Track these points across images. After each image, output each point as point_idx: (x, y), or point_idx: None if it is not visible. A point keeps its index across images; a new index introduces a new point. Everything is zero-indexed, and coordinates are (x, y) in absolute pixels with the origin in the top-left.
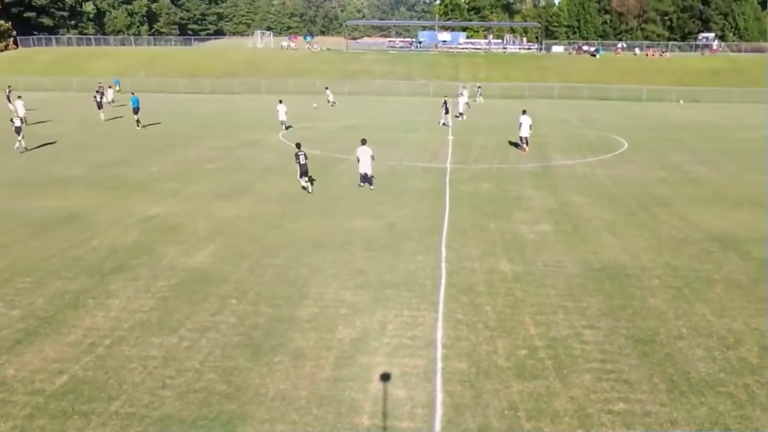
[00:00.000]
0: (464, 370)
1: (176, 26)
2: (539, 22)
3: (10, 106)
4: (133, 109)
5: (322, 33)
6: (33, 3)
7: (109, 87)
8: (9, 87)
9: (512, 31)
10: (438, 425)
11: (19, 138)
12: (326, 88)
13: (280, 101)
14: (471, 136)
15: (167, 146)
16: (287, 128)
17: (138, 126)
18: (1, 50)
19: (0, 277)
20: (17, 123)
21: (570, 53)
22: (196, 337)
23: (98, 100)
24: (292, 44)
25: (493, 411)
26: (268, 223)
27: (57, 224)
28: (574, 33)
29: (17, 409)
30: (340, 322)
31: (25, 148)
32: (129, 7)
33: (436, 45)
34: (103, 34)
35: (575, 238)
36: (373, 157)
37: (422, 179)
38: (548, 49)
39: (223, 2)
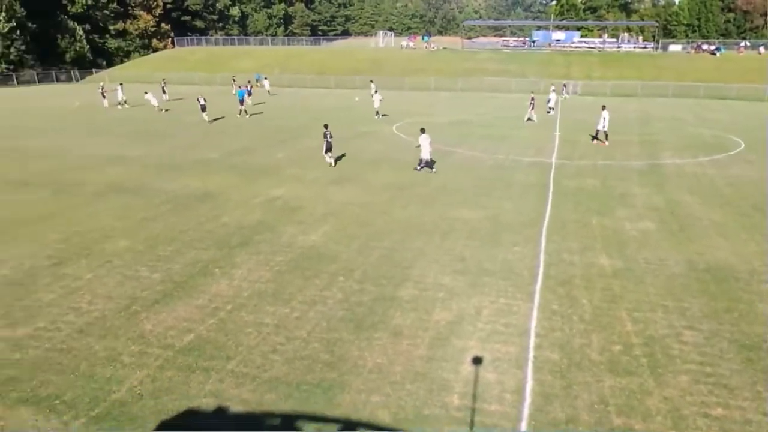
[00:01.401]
0: (556, 360)
1: (308, 27)
2: (657, 21)
3: (165, 96)
4: (240, 100)
5: (440, 33)
6: (189, 8)
7: (263, 80)
8: (164, 80)
9: (628, 30)
10: (526, 412)
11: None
12: (371, 81)
13: (376, 91)
14: (577, 133)
15: (292, 136)
16: (381, 116)
17: (242, 115)
18: (161, 49)
19: (146, 245)
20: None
21: (688, 52)
22: (305, 309)
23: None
24: (411, 44)
25: (582, 403)
26: (377, 209)
27: (194, 202)
28: (694, 32)
29: (151, 360)
30: (438, 304)
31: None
32: (269, 10)
33: (549, 44)
34: (245, 35)
35: (681, 237)
36: (431, 143)
37: (527, 173)
38: (665, 47)
39: (351, 5)
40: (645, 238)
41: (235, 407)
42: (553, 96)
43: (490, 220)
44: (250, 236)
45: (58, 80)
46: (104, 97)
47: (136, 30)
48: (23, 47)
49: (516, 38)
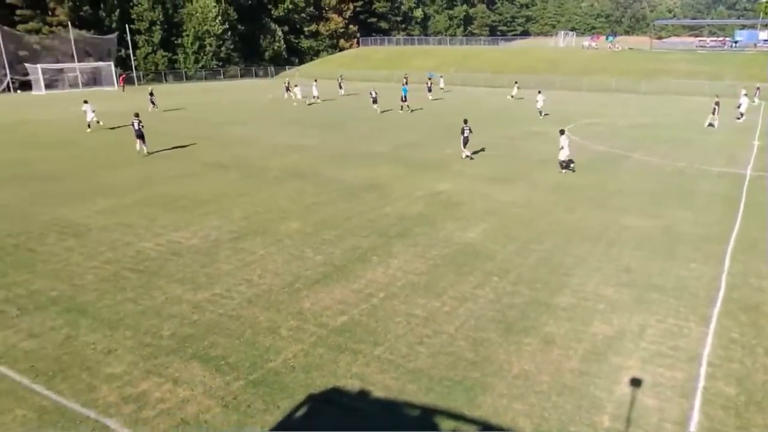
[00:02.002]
0: (731, 395)
1: (487, 28)
2: None
3: (341, 92)
4: (402, 96)
5: (626, 33)
6: (376, 11)
7: (437, 78)
8: (341, 76)
9: None
10: None
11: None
12: (441, 77)
13: (539, 92)
14: None
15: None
16: (544, 116)
17: (404, 110)
18: (347, 48)
19: (314, 228)
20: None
21: None
22: (455, 305)
23: (428, 86)
24: (594, 44)
25: None
26: (539, 210)
27: (361, 191)
28: None
29: (306, 336)
30: (597, 316)
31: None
32: (450, 12)
33: (755, 44)
34: (426, 35)
35: None
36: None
37: (714, 183)
38: None
39: (533, 6)
40: None
41: (378, 392)
42: (744, 100)
43: (664, 231)
44: (409, 228)
45: (256, 75)
46: (288, 91)
47: (326, 31)
48: (231, 46)
49: (714, 38)
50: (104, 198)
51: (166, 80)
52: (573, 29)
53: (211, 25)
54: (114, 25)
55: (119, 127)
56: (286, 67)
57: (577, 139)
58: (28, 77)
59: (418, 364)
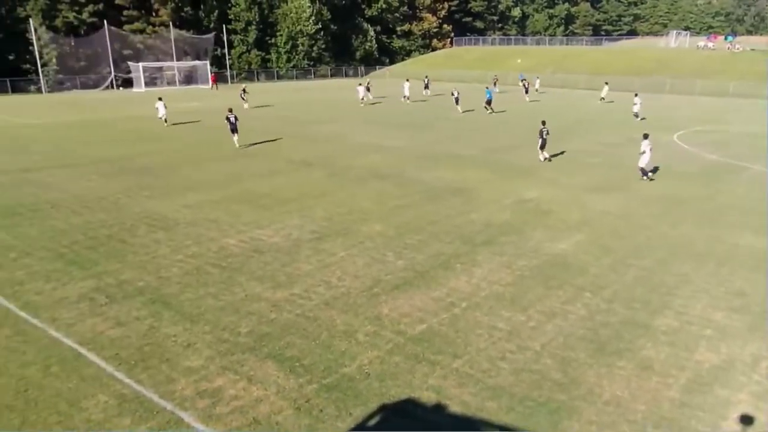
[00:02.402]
0: None
1: (590, 27)
2: None
3: (426, 92)
4: (487, 100)
5: (749, 33)
6: (471, 10)
7: (534, 79)
8: (426, 76)
9: None
10: None
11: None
12: (537, 78)
13: (636, 94)
14: None
15: (555, 138)
16: (640, 119)
17: (489, 112)
18: (440, 48)
19: (396, 231)
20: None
21: None
22: (542, 320)
23: (525, 87)
24: (711, 44)
25: None
26: (639, 223)
27: (446, 194)
28: None
29: (383, 342)
30: (703, 343)
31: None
32: (551, 10)
33: None
34: (523, 35)
35: None
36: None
37: None
38: None
39: (642, 3)
40: None
41: (454, 407)
42: None
43: None
44: (495, 236)
45: (346, 75)
46: (368, 90)
47: (419, 31)
48: (323, 46)
49: None
50: (193, 193)
51: (258, 79)
52: (687, 28)
53: (304, 25)
54: (212, 25)
55: (187, 123)
56: (377, 67)
57: (686, 147)
58: (129, 75)
59: (499, 381)
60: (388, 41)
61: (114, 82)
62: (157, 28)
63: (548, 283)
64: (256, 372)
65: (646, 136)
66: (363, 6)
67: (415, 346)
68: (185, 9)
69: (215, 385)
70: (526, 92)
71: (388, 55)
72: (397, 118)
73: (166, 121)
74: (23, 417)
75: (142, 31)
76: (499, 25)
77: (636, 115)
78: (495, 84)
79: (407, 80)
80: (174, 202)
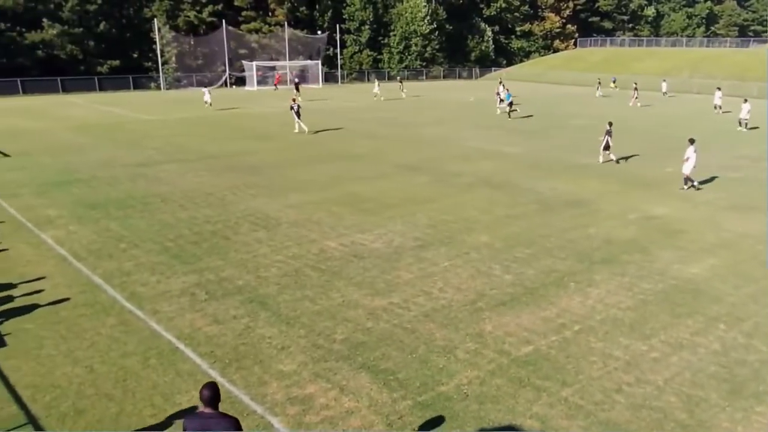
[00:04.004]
0: None
1: (736, 28)
2: None
3: (501, 93)
4: (508, 103)
5: None
6: (599, 9)
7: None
8: (501, 79)
9: None
10: None
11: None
12: (663, 81)
13: (745, 100)
14: None
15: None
16: (748, 129)
17: (509, 116)
18: (562, 50)
19: (504, 243)
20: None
21: None
22: (667, 351)
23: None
24: None
25: None
26: None
27: (561, 206)
28: None
29: (484, 362)
30: None
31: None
32: (690, 9)
33: None
34: (656, 35)
35: None
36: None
37: None
38: None
39: None
40: None
41: None
42: None
43: None
44: (616, 254)
45: (459, 77)
46: (498, 96)
47: (540, 31)
48: (437, 46)
49: None
50: (296, 193)
51: (368, 79)
52: None
53: (418, 25)
54: (326, 25)
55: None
56: (492, 68)
57: None
58: (243, 73)
59: (614, 415)
60: (506, 42)
61: (228, 80)
62: (272, 27)
63: (675, 311)
64: (348, 382)
65: (692, 142)
66: (481, 5)
67: (520, 369)
68: (300, 9)
69: (307, 391)
70: (635, 98)
71: (506, 57)
72: (512, 123)
73: (210, 104)
74: (121, 407)
75: (257, 31)
76: (630, 25)
77: (741, 123)
78: (598, 87)
79: (501, 82)
80: (277, 201)
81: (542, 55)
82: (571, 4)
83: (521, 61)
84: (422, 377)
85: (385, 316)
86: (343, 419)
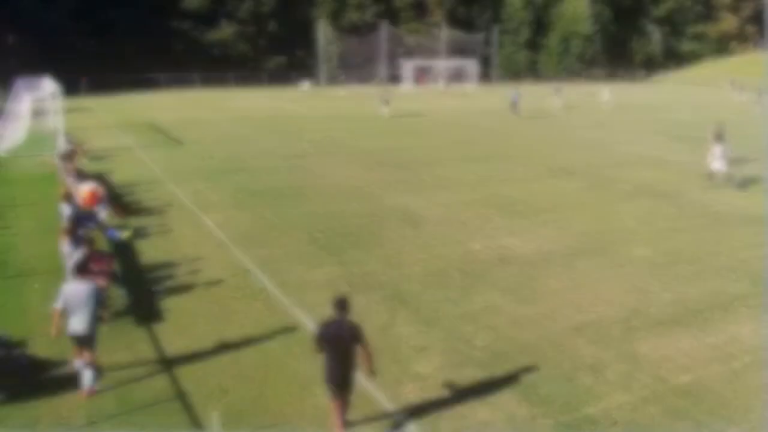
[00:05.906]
0: None
1: None
2: None
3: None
4: (512, 103)
5: None
6: None
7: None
8: (557, 86)
9: None
10: None
11: None
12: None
13: None
14: None
15: None
16: None
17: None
18: (740, 53)
19: (666, 259)
20: None
21: None
22: None
23: None
24: None
25: None
26: None
27: (734, 221)
28: None
29: (637, 387)
30: None
31: None
32: None
33: None
34: None
35: None
36: None
37: None
38: None
39: None
40: None
41: None
42: None
43: None
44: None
45: (621, 78)
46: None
47: (715, 33)
48: (599, 48)
49: None
50: (444, 191)
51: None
52: None
53: (581, 26)
54: (483, 25)
55: (448, 122)
56: (659, 72)
57: None
58: (398, 72)
59: None
60: (676, 44)
61: (384, 79)
62: (430, 27)
63: None
64: (486, 392)
65: (719, 137)
66: (649, 5)
67: (678, 399)
68: (459, 9)
69: (442, 396)
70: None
71: (674, 59)
72: (679, 129)
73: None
74: (260, 390)
75: (416, 31)
76: None
77: None
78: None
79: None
80: (425, 199)
81: (715, 60)
82: (750, 4)
83: (690, 64)
84: (566, 396)
85: (530, 326)
86: (478, 431)
